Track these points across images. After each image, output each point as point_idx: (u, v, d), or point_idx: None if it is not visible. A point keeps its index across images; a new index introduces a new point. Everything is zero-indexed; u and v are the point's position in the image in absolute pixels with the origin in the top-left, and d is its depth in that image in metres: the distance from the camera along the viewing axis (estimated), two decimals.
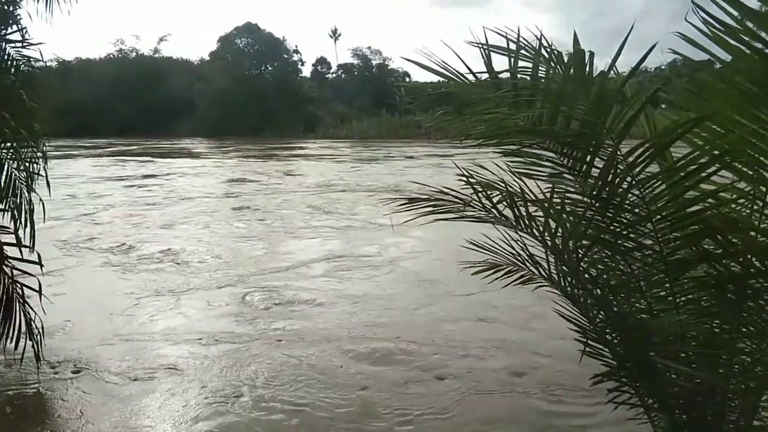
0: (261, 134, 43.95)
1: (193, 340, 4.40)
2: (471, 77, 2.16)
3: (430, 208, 2.25)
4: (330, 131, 44.48)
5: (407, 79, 53.03)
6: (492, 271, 2.55)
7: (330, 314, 4.95)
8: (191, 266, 6.36)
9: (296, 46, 53.16)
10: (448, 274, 6.02)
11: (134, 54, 52.94)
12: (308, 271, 6.31)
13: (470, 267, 2.58)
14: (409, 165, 18.80)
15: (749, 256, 1.92)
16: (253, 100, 45.52)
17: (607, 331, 2.25)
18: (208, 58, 52.79)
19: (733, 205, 1.98)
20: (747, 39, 1.77)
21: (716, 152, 1.91)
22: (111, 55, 53.15)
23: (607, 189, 1.98)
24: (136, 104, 47.30)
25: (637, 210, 1.97)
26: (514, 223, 2.20)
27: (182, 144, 34.01)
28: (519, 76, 2.03)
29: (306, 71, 54.55)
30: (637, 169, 1.90)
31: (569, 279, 2.22)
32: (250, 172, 16.73)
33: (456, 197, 2.26)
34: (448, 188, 2.33)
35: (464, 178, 2.32)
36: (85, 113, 45.85)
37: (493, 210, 2.27)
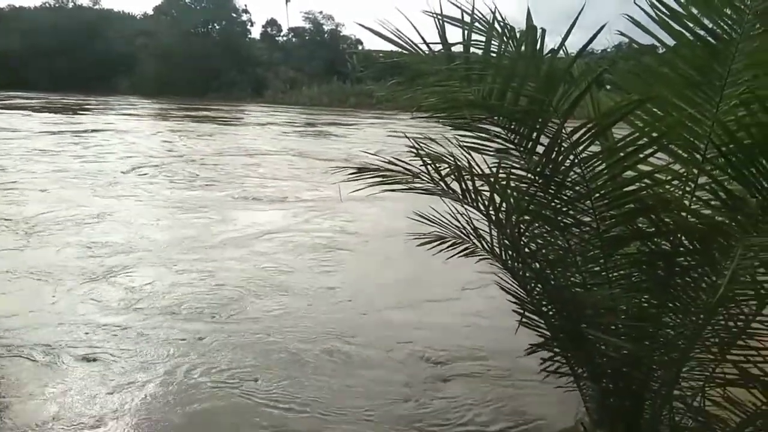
0: (206, 95, 42.57)
1: None
2: (425, 48, 2.16)
3: (379, 179, 2.25)
4: (279, 96, 43.55)
5: (360, 47, 52.40)
6: (437, 243, 2.59)
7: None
8: None
9: (245, 6, 51.53)
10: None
11: (72, 4, 50.05)
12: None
13: (417, 239, 2.61)
14: (354, 135, 18.67)
15: (679, 235, 2.03)
16: (198, 59, 43.89)
17: (544, 303, 2.33)
18: (151, 13, 50.49)
19: (667, 186, 2.07)
20: (691, 25, 1.84)
21: (654, 134, 1.99)
22: (46, 4, 50.03)
23: (550, 166, 2.04)
24: (72, 57, 44.75)
25: (577, 188, 2.04)
26: (460, 197, 2.23)
27: (115, 101, 32.54)
28: (472, 50, 2.04)
29: (255, 33, 53.11)
30: (580, 148, 1.96)
31: (510, 252, 2.29)
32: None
33: (405, 169, 2.26)
34: (397, 159, 2.33)
35: (414, 150, 2.32)
36: (17, 64, 43.11)
37: (440, 183, 2.30)
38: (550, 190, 2.09)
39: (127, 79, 45.24)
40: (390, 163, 2.30)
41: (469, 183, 2.21)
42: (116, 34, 47.12)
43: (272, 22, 57.39)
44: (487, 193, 2.15)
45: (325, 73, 45.67)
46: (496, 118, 2.11)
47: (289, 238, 6.24)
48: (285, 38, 56.79)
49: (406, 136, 2.40)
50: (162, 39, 45.02)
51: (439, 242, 2.58)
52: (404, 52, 2.15)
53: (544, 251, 2.29)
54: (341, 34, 52.39)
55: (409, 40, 2.13)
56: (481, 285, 4.74)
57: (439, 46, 2.15)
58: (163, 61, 44.10)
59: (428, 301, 4.65)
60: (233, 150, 13.63)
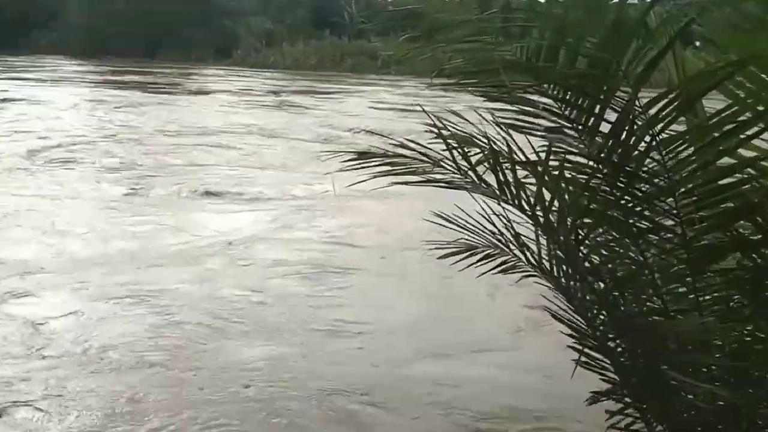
0: (156, 56, 42.78)
1: None
2: None
3: (386, 168, 2.25)
4: (252, 56, 43.69)
5: None
6: (465, 254, 2.59)
7: None
8: None
9: None
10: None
11: None
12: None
13: (437, 248, 2.61)
14: (326, 107, 18.71)
15: None
16: (145, 8, 44.13)
17: (610, 336, 2.32)
18: None
19: None
20: None
21: (760, 107, 1.97)
22: None
23: (619, 151, 2.03)
24: None
25: (656, 180, 2.03)
26: (497, 192, 2.23)
27: (31, 63, 32.72)
28: None
29: None
30: (659, 126, 1.95)
31: (564, 268, 2.28)
32: None
33: (423, 154, 2.27)
34: (411, 141, 2.33)
35: (433, 129, 2.32)
36: None
37: (470, 173, 2.30)
38: (619, 184, 2.08)
39: (49, 33, 45.52)
40: (401, 146, 2.30)
41: (509, 173, 2.21)
42: None
43: None
44: (533, 187, 2.15)
45: (313, 25, 45.79)
46: (544, 85, 2.10)
47: (267, 254, 6.24)
48: None
49: (423, 110, 2.41)
50: None
51: (468, 253, 2.58)
52: None
53: (610, 266, 2.28)
54: None
55: None
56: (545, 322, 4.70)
57: None
58: (97, 10, 44.35)
59: (471, 351, 4.51)
60: (179, 127, 13.71)
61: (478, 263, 2.59)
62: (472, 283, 2.58)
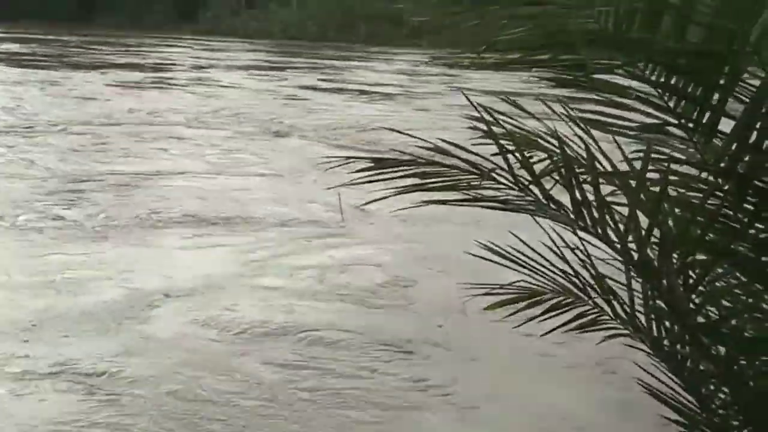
0: (93, 18, 43.22)
1: None
2: None
3: (416, 180, 2.24)
4: (226, 20, 44.01)
5: None
6: (525, 303, 2.57)
7: None
8: None
9: None
10: None
11: None
12: None
13: (485, 293, 2.60)
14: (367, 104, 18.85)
15: None
16: None
17: (736, 422, 2.29)
18: None
19: None
20: None
21: None
22: None
23: (746, 158, 2.01)
24: None
25: None
26: (571, 216, 2.21)
27: None
28: None
29: None
30: None
31: (668, 324, 2.25)
32: None
33: (466, 161, 2.25)
34: (449, 142, 2.33)
35: (478, 125, 2.32)
36: None
37: (531, 189, 2.29)
38: (747, 205, 2.05)
39: None
40: (435, 150, 2.29)
41: (588, 189, 2.19)
42: None
43: None
44: (624, 210, 2.13)
45: None
46: (639, 65, 2.08)
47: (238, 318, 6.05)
48: None
49: (466, 96, 2.40)
50: None
51: (532, 300, 2.56)
52: None
53: (734, 322, 2.25)
54: None
55: None
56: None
57: None
58: None
59: None
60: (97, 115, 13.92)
61: (544, 316, 2.57)
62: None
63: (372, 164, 2.30)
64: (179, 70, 22.71)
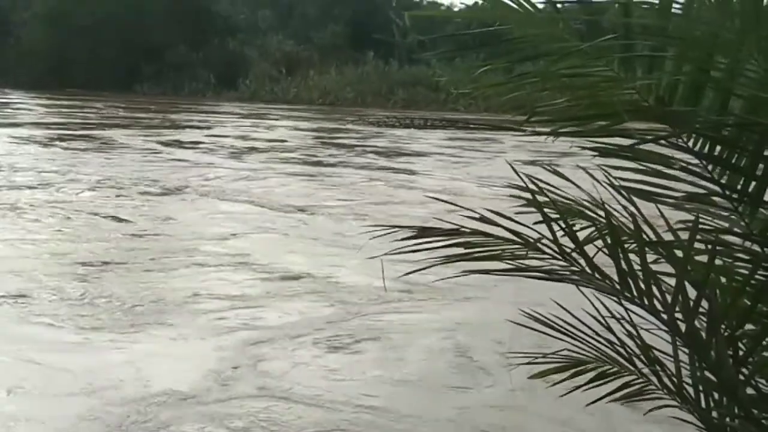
0: (132, 88, 43.91)
1: None
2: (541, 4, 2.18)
3: (459, 249, 2.24)
4: (266, 87, 44.48)
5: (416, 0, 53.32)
6: (570, 372, 2.55)
7: None
8: None
9: None
10: None
11: None
12: None
13: (529, 362, 2.58)
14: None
15: None
16: (123, 21, 45.51)
17: None
18: None
19: None
20: None
21: None
22: None
23: None
24: None
25: None
26: (616, 286, 2.19)
27: None
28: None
29: None
30: None
31: (717, 396, 2.22)
32: None
33: (512, 231, 2.25)
34: (493, 212, 2.32)
35: (522, 193, 2.32)
36: None
37: (573, 258, 2.27)
38: None
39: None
40: (481, 220, 2.29)
41: (634, 258, 2.17)
42: None
43: None
44: (671, 280, 2.11)
45: (351, 45, 46.68)
46: (682, 138, 2.08)
47: None
48: None
49: (512, 167, 2.41)
50: None
51: (577, 369, 2.54)
52: (503, 8, 2.17)
53: None
54: None
55: None
56: None
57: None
58: (57, 27, 45.79)
59: None
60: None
61: (588, 385, 2.54)
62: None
63: (415, 233, 2.29)
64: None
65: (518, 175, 2.33)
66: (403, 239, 2.35)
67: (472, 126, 29.89)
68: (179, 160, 18.31)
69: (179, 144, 21.96)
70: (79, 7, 45.45)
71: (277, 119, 32.85)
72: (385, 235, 2.41)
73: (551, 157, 19.92)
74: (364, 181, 15.64)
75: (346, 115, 33.81)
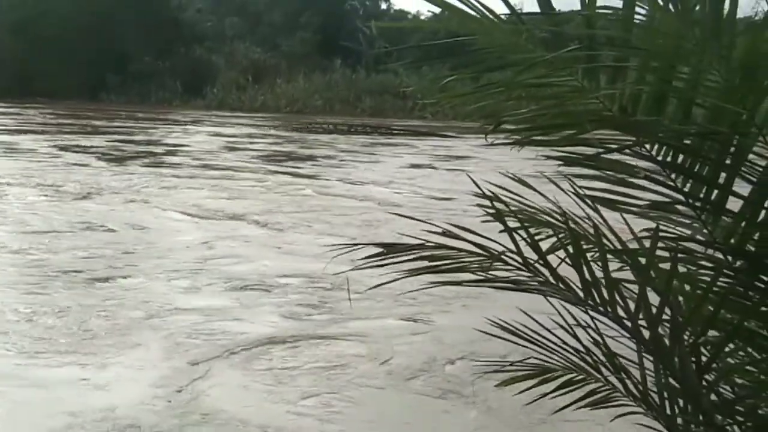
0: (100, 96, 43.63)
1: None
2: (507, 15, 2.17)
3: (424, 263, 2.23)
4: (233, 95, 44.32)
5: (383, 7, 53.30)
6: (537, 380, 2.55)
7: None
8: None
9: None
10: None
11: None
12: None
13: (496, 371, 2.58)
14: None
15: None
16: (87, 30, 45.16)
17: None
18: None
19: None
20: None
21: None
22: None
23: (756, 236, 1.99)
24: None
25: None
26: (579, 295, 2.19)
27: None
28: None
29: None
30: None
31: (681, 403, 2.22)
32: None
33: (474, 244, 2.24)
34: (456, 227, 2.32)
35: (485, 204, 2.31)
36: None
37: (537, 267, 2.27)
38: (759, 284, 2.04)
39: None
40: (444, 234, 2.28)
41: (597, 267, 2.18)
42: None
43: None
44: (634, 288, 2.11)
45: (319, 53, 46.59)
46: (645, 147, 2.09)
47: None
48: None
49: (471, 179, 2.41)
50: None
51: (543, 378, 2.54)
52: (468, 18, 2.16)
53: (749, 401, 2.22)
54: None
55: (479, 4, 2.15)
56: None
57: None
58: (19, 34, 45.40)
59: None
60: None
61: (555, 392, 2.55)
62: None
63: (381, 249, 2.29)
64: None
65: (477, 185, 2.33)
66: (368, 257, 2.34)
67: (394, 132, 30.18)
68: (65, 162, 18.78)
69: (75, 148, 22.22)
70: (45, 17, 45.13)
71: (211, 125, 33.14)
72: (347, 252, 2.41)
73: (450, 160, 20.57)
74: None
75: (293, 122, 33.98)
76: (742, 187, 2.01)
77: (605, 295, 2.15)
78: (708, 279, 2.09)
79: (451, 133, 28.69)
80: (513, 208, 2.38)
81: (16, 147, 21.72)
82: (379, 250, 2.28)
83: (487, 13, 2.11)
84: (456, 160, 21.92)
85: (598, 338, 2.38)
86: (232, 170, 18.33)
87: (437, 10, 2.18)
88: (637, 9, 2.03)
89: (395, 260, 2.26)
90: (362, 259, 2.27)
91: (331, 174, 18.41)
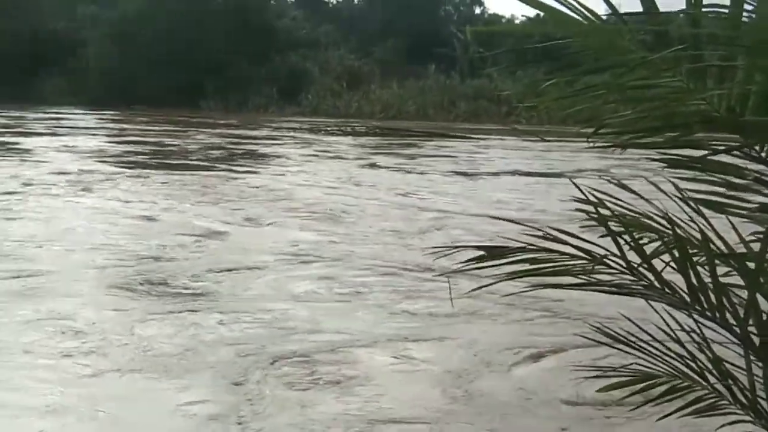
0: (200, 104, 44.49)
1: None
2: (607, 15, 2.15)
3: (525, 266, 2.23)
4: (327, 102, 44.73)
5: (477, 12, 53.26)
6: (641, 385, 2.53)
7: None
8: None
9: None
10: None
11: None
12: None
13: (597, 376, 2.56)
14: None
15: None
16: (186, 41, 46.21)
17: None
18: None
19: None
20: None
21: None
22: None
23: None
24: None
25: None
26: (685, 300, 2.16)
27: (34, 116, 34.40)
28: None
29: None
30: None
31: None
32: None
33: (576, 247, 2.23)
34: (556, 230, 2.31)
35: (586, 207, 2.30)
36: None
37: (641, 271, 2.24)
38: None
39: (61, 77, 48.09)
40: (545, 237, 2.27)
41: (704, 271, 2.14)
42: (47, 3, 50.45)
43: None
44: (743, 293, 2.07)
45: (413, 59, 46.78)
46: (755, 148, 2.05)
47: None
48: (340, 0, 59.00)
49: (574, 183, 2.39)
50: (121, 6, 47.71)
51: (646, 384, 2.51)
52: (565, 20, 2.14)
53: None
54: None
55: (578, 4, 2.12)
56: None
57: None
58: (122, 45, 46.66)
59: None
60: None
61: (659, 399, 2.51)
62: None
63: (481, 251, 2.28)
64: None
65: (579, 189, 2.31)
66: (469, 260, 2.34)
67: (407, 133, 30.07)
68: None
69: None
70: (143, 27, 46.26)
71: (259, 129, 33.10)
72: (448, 255, 2.41)
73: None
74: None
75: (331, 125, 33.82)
76: None
77: (713, 299, 2.11)
78: None
79: (550, 138, 28.34)
80: (615, 212, 2.36)
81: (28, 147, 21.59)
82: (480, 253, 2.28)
83: (587, 14, 2.09)
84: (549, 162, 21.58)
85: (704, 344, 2.34)
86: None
87: (532, 13, 2.17)
88: (745, 6, 1.99)
89: (497, 263, 2.26)
90: (463, 262, 2.27)
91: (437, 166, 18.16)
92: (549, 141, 26.01)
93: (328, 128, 32.31)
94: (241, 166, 18.62)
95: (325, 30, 53.62)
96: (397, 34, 49.48)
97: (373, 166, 19.64)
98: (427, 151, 24.81)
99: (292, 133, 30.70)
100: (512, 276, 2.25)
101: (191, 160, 20.09)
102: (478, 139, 29.38)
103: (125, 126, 32.66)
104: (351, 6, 56.48)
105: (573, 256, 2.25)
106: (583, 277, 2.26)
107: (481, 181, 16.74)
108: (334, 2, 58.01)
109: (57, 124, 31.83)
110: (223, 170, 17.44)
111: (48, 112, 38.33)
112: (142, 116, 36.53)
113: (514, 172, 18.58)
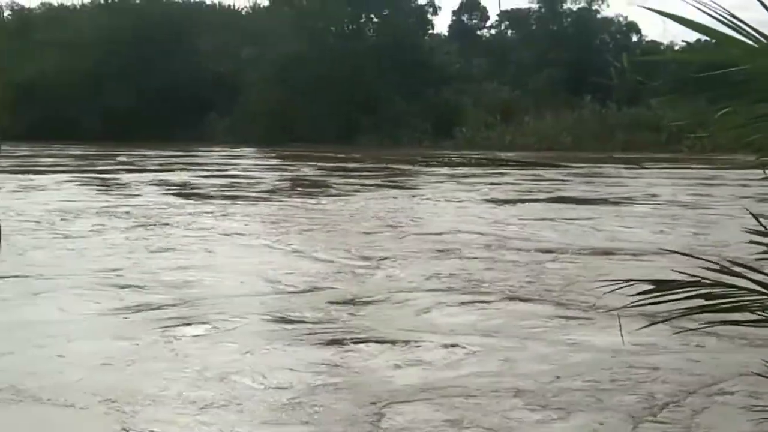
0: (356, 139, 45.14)
1: None
2: None
3: (701, 301, 2.16)
4: (481, 135, 44.61)
5: (634, 39, 52.33)
6: None
7: None
8: None
9: None
10: None
11: None
12: None
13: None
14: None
15: None
16: (342, 77, 47.07)
17: None
18: (266, 3, 55.57)
19: None
20: None
21: None
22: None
23: None
24: (138, 84, 49.97)
25: None
26: None
27: (206, 156, 35.18)
28: None
29: (441, 25, 55.73)
30: None
31: None
32: None
33: (756, 282, 2.14)
34: (735, 262, 2.23)
35: (761, 239, 2.22)
36: (54, 99, 48.86)
37: None
38: None
39: (225, 116, 49.60)
40: (721, 270, 2.19)
41: None
42: (209, 43, 52.36)
43: (471, 5, 60.19)
44: None
45: (567, 89, 46.23)
46: None
47: None
48: (493, 31, 59.07)
49: (748, 210, 2.31)
50: (280, 47, 48.93)
51: None
52: (733, 44, 2.07)
53: None
54: (598, 16, 53.31)
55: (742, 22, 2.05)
56: None
57: None
58: (281, 85, 47.85)
59: None
60: None
61: None
62: None
63: (653, 287, 2.22)
64: None
65: (755, 217, 2.23)
66: (639, 293, 2.28)
67: (511, 163, 28.53)
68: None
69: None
70: (301, 69, 47.29)
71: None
72: (619, 288, 2.35)
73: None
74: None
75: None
76: None
77: None
78: None
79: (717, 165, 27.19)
80: None
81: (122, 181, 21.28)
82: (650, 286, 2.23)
83: (759, 36, 2.02)
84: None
85: None
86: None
87: (691, 39, 2.10)
88: None
89: (669, 298, 2.20)
90: (634, 295, 2.21)
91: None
92: (720, 168, 25.24)
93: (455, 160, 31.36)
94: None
95: (478, 63, 53.63)
96: (552, 64, 49.04)
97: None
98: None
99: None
100: (688, 312, 2.19)
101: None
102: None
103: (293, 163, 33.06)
104: (504, 38, 56.30)
105: (752, 291, 2.17)
106: (762, 314, 2.18)
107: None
108: (486, 34, 57.87)
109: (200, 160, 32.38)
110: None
111: (205, 150, 39.31)
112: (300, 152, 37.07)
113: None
